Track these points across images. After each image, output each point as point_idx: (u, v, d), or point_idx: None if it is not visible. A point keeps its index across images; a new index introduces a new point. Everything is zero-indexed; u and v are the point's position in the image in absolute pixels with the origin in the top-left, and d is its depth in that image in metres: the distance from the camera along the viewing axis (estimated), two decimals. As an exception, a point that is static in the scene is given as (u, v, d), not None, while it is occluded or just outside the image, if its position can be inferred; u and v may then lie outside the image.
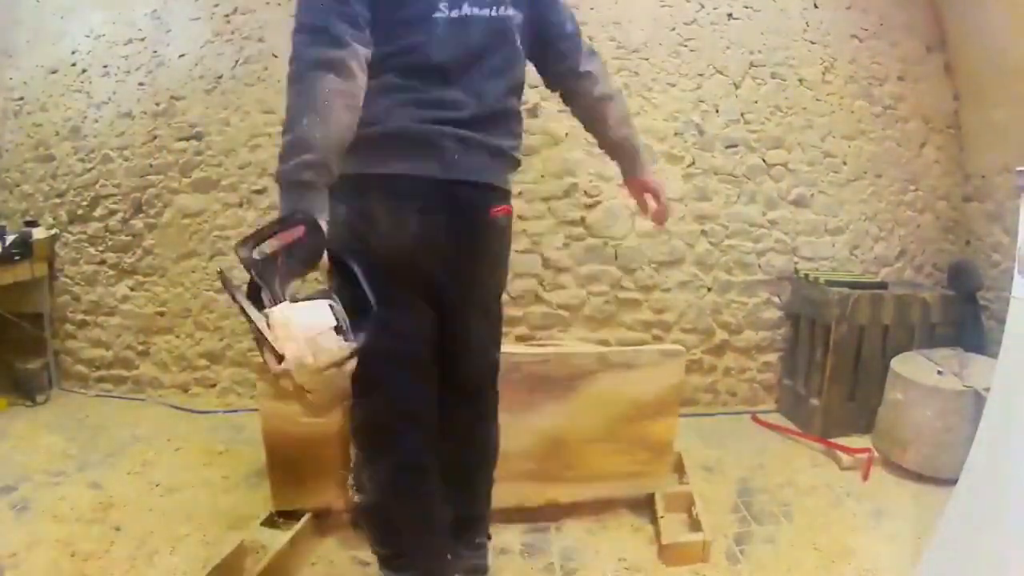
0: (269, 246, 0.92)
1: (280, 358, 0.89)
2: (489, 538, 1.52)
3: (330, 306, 0.94)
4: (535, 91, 2.65)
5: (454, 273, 1.25)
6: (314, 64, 1.01)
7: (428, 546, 1.29)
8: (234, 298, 0.91)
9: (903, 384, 2.18)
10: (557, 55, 1.38)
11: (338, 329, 0.92)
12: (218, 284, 2.79)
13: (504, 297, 2.91)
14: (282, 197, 0.99)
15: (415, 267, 1.19)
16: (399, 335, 1.17)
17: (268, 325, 0.89)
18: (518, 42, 1.26)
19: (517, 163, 1.33)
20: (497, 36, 1.22)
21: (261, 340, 0.90)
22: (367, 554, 1.70)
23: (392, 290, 1.10)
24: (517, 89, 1.30)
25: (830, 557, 1.70)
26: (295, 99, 1.02)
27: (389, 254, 1.15)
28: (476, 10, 1.18)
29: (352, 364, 0.95)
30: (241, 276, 0.96)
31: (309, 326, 0.90)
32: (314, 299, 0.95)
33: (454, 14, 1.16)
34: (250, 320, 0.90)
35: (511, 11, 1.23)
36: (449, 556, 1.35)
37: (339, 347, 0.92)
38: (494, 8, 1.20)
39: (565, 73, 1.41)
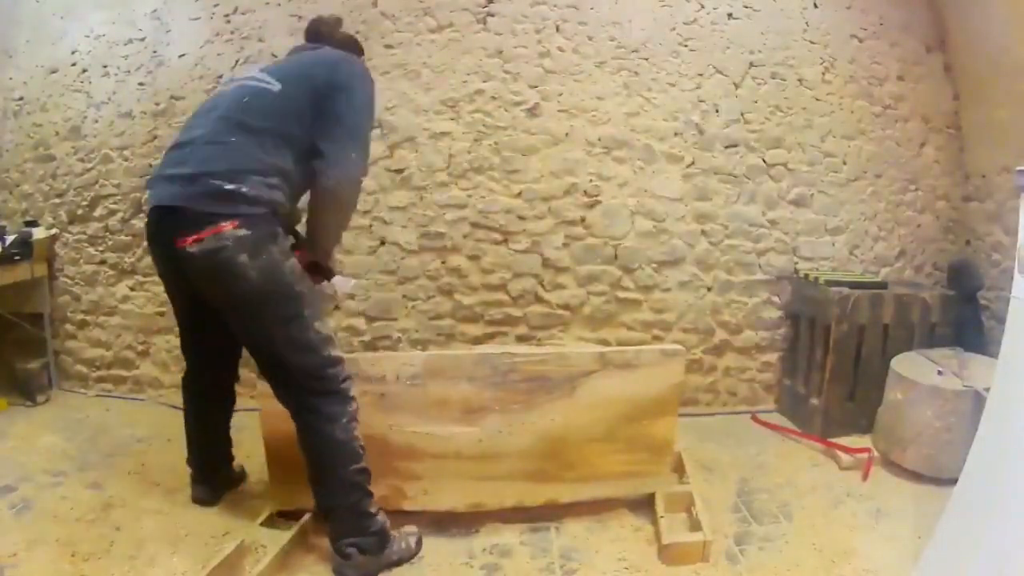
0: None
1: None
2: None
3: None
4: (535, 91, 2.67)
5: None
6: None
7: None
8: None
9: (903, 384, 2.18)
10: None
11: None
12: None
13: (504, 297, 2.90)
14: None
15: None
16: None
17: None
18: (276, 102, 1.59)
19: (228, 193, 1.48)
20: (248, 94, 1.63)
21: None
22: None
23: None
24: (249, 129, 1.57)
25: (830, 557, 1.70)
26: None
27: None
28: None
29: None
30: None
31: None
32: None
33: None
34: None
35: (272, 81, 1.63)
36: None
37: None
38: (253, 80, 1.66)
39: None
